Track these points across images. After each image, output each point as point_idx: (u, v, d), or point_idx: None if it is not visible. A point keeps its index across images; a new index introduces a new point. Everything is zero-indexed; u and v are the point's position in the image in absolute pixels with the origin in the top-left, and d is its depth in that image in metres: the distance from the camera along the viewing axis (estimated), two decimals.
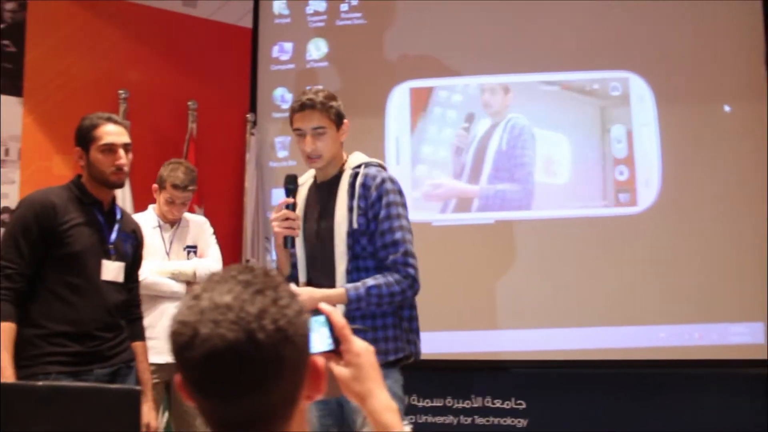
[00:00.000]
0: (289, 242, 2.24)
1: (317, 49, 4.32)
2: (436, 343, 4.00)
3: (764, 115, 3.99)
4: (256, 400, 0.84)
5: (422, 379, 4.05)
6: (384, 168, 2.39)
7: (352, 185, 2.28)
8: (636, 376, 3.98)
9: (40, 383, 2.11)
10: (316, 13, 4.34)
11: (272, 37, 4.36)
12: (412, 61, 4.23)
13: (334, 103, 2.27)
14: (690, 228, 3.96)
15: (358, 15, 4.30)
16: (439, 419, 4.05)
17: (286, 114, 4.21)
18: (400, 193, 2.30)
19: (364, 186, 2.26)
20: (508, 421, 3.99)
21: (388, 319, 2.24)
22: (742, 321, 3.90)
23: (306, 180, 2.38)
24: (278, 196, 4.27)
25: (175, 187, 3.17)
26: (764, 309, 3.87)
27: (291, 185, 2.27)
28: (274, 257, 2.36)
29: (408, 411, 4.05)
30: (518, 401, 3.99)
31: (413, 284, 2.23)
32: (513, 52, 4.18)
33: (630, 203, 4.01)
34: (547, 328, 3.99)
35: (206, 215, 3.90)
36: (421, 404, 4.06)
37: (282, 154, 4.31)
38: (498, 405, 4.02)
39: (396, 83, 4.20)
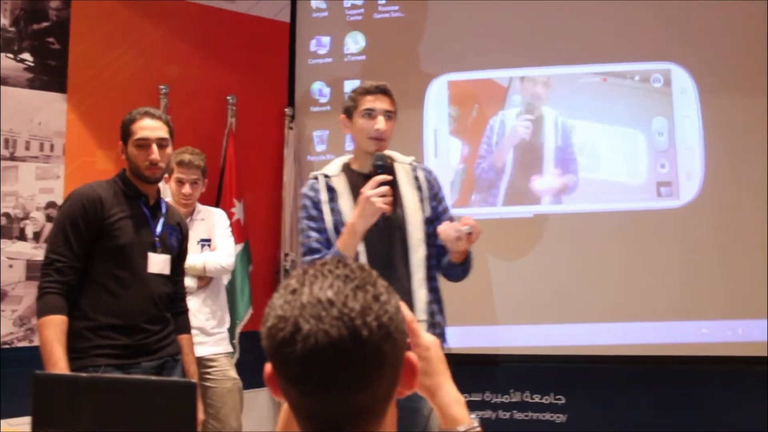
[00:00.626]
0: (381, 220, 2.28)
1: (355, 42, 4.36)
2: (475, 337, 4.04)
3: None
4: (356, 397, 0.84)
5: (461, 374, 4.08)
6: None
7: (415, 178, 2.44)
8: (678, 372, 3.97)
9: (103, 374, 2.17)
10: (354, 7, 4.38)
11: (310, 31, 4.42)
12: (449, 53, 4.25)
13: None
14: (732, 223, 3.93)
15: (396, 8, 4.33)
16: (478, 413, 4.06)
17: (324, 108, 4.36)
18: None
19: (428, 180, 2.47)
20: (548, 416, 4.01)
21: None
22: (746, 318, 3.85)
23: (336, 173, 2.41)
24: None
25: (180, 164, 3.20)
26: None
27: (381, 162, 2.31)
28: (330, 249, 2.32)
29: None
30: (557, 396, 4.01)
31: None
32: (552, 44, 4.16)
33: (671, 197, 3.98)
34: (587, 323, 4.00)
35: (245, 210, 3.98)
36: None
37: (320, 147, 4.36)
38: (537, 400, 4.04)
39: (434, 76, 4.23)
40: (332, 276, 0.86)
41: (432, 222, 2.39)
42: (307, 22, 4.42)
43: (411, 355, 0.92)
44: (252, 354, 3.93)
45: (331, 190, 2.38)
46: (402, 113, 4.15)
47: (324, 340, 0.81)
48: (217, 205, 3.74)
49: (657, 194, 4.00)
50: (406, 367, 0.91)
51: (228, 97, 4.10)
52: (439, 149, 4.19)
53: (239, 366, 3.51)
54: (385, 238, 2.36)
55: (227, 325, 3.44)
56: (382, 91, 2.41)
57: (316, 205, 2.38)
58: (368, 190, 2.23)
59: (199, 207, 3.37)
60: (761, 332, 3.85)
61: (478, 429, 1.07)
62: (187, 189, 3.22)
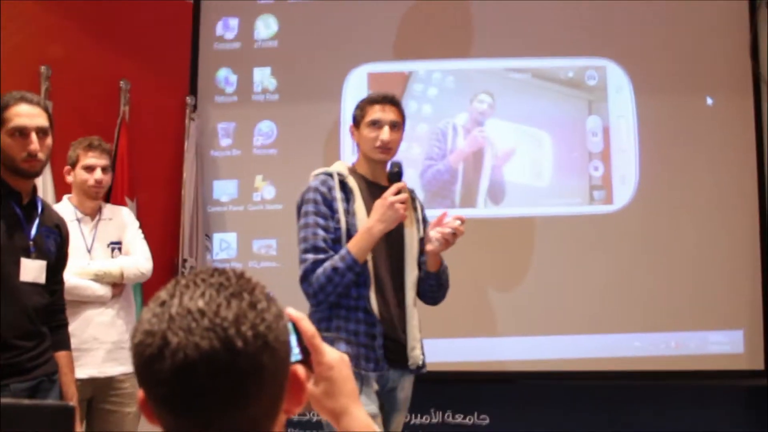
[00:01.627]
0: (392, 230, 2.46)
1: (266, 26, 4.28)
2: None
3: (750, 110, 4.11)
4: (234, 415, 0.83)
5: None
6: None
7: (413, 198, 2.64)
8: (608, 388, 4.04)
9: None
10: None
11: (216, 12, 4.29)
12: (369, 42, 4.22)
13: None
14: (667, 229, 4.04)
15: None
16: None
17: (231, 98, 4.25)
18: None
19: (419, 202, 2.72)
20: None
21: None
22: (721, 329, 3.99)
23: (345, 175, 2.52)
24: (220, 188, 4.22)
25: (90, 147, 3.07)
26: (744, 316, 3.98)
27: (397, 169, 2.48)
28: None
29: None
30: (481, 416, 4.02)
31: None
32: (481, 36, 4.20)
33: (605, 201, 4.06)
34: (510, 337, 4.04)
35: (139, 209, 3.83)
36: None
37: (225, 142, 4.25)
38: (459, 420, 4.04)
39: (353, 67, 4.18)
40: (205, 285, 0.85)
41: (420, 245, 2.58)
42: (213, 3, 4.30)
43: (297, 368, 0.91)
44: None
45: (345, 190, 2.49)
46: (318, 105, 4.17)
47: (194, 353, 0.80)
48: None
49: (590, 198, 4.08)
50: (291, 382, 0.90)
51: (121, 83, 3.95)
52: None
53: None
54: (393, 251, 2.53)
55: None
56: (389, 102, 2.55)
57: (329, 202, 2.46)
58: (390, 195, 2.39)
59: (105, 205, 3.24)
60: (696, 345, 3.99)
61: None
62: (99, 174, 3.08)
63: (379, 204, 2.40)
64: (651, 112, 4.10)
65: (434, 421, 4.05)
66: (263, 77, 4.25)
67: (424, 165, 4.17)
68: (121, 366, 3.11)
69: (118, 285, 3.13)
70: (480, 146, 4.16)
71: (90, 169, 3.08)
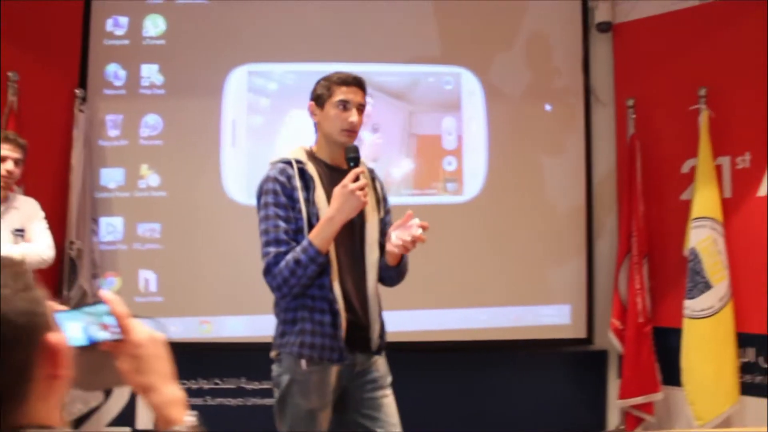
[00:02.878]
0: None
1: (154, 26, 4.44)
2: (265, 326, 4.36)
3: (581, 116, 4.68)
4: None
5: (253, 362, 4.39)
6: None
7: (373, 179, 2.59)
8: (459, 357, 4.54)
9: None
10: None
11: (106, 10, 4.42)
12: (251, 44, 4.48)
13: None
14: (510, 217, 4.56)
15: None
16: (268, 401, 4.39)
17: (119, 92, 4.43)
18: None
19: (381, 183, 2.64)
20: None
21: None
22: (552, 304, 4.57)
23: (306, 160, 2.44)
24: (108, 175, 4.39)
25: (6, 139, 3.19)
26: (571, 293, 4.57)
27: (355, 154, 2.39)
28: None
29: (237, 393, 4.38)
30: None
31: None
32: (355, 41, 4.54)
33: (457, 192, 4.54)
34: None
35: (26, 194, 3.98)
36: (250, 387, 4.40)
37: (113, 132, 4.41)
38: None
39: (235, 65, 4.44)
40: None
41: (380, 226, 2.54)
42: (104, 1, 4.42)
43: (52, 336, 0.93)
44: None
45: (304, 178, 2.40)
46: (201, 101, 4.43)
47: None
48: None
49: (445, 190, 4.56)
50: (47, 349, 0.92)
51: (9, 74, 4.01)
52: (237, 139, 4.46)
53: None
54: (353, 235, 2.46)
55: None
56: (359, 84, 2.45)
57: (289, 192, 2.37)
58: (349, 182, 2.29)
59: (15, 196, 3.34)
60: (533, 318, 4.54)
61: (196, 429, 1.13)
62: (10, 165, 3.21)
63: (339, 192, 2.31)
64: (499, 116, 4.59)
65: None
66: (151, 73, 4.40)
67: None
68: None
69: None
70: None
71: (2, 159, 3.24)
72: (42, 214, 3.44)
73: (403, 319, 4.34)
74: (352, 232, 2.45)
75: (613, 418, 4.57)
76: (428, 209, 4.46)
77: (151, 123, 4.41)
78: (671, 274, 4.26)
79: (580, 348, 4.63)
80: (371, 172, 2.60)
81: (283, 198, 2.37)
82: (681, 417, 4.22)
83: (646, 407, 4.31)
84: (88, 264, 4.20)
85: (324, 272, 2.38)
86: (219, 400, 4.39)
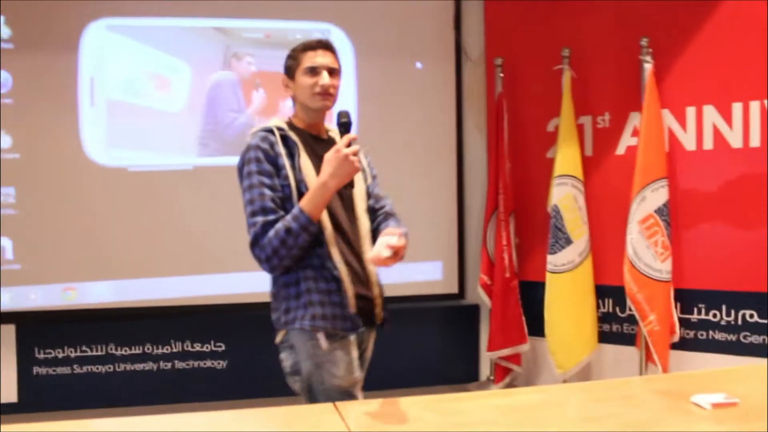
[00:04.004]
0: (350, 182, 2.25)
1: None
2: (131, 290, 4.23)
3: (452, 74, 4.67)
4: None
5: (121, 328, 4.26)
6: None
7: None
8: None
9: None
10: None
11: None
12: None
13: None
14: (381, 177, 4.50)
15: None
16: (139, 366, 4.29)
17: None
18: None
19: (364, 152, 2.49)
20: (209, 363, 4.36)
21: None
22: (425, 261, 4.60)
23: (285, 129, 2.33)
24: None
25: None
26: (443, 250, 4.62)
27: (346, 119, 2.26)
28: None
29: (106, 360, 4.24)
30: (217, 344, 4.37)
31: None
32: None
33: None
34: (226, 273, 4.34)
35: None
36: (119, 353, 4.26)
37: None
38: (198, 348, 4.36)
39: (91, 20, 4.19)
40: None
41: (368, 194, 2.46)
42: None
43: None
44: None
45: (287, 145, 2.29)
46: (55, 57, 4.16)
47: None
48: None
49: None
50: None
51: None
52: (97, 98, 4.22)
53: None
54: (345, 203, 2.36)
55: None
56: (324, 47, 2.36)
57: (273, 159, 2.27)
58: (343, 147, 2.18)
59: None
60: (409, 274, 4.56)
61: None
62: None
63: (332, 157, 2.19)
64: (369, 73, 4.53)
65: (175, 350, 4.35)
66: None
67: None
68: None
69: None
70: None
71: None
72: None
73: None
74: (341, 201, 2.35)
75: (485, 370, 4.68)
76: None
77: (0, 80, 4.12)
78: (536, 230, 4.35)
79: (453, 303, 4.70)
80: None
81: (267, 165, 2.25)
82: (545, 367, 4.36)
83: (514, 358, 4.43)
84: None
85: (318, 241, 2.26)
86: (87, 368, 4.23)
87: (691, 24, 3.84)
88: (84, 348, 4.25)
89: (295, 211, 2.21)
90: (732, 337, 3.76)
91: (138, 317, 4.28)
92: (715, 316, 3.81)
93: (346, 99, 4.47)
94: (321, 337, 2.26)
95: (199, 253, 4.32)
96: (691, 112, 3.84)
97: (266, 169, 2.25)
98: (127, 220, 4.25)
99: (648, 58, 3.79)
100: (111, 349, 4.26)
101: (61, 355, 4.23)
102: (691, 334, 3.87)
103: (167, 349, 4.31)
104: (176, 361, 4.31)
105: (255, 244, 2.23)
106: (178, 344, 4.32)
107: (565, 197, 4.06)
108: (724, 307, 3.78)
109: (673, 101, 3.87)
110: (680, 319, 3.85)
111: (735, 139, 3.70)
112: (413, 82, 4.62)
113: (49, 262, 4.18)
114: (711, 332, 3.83)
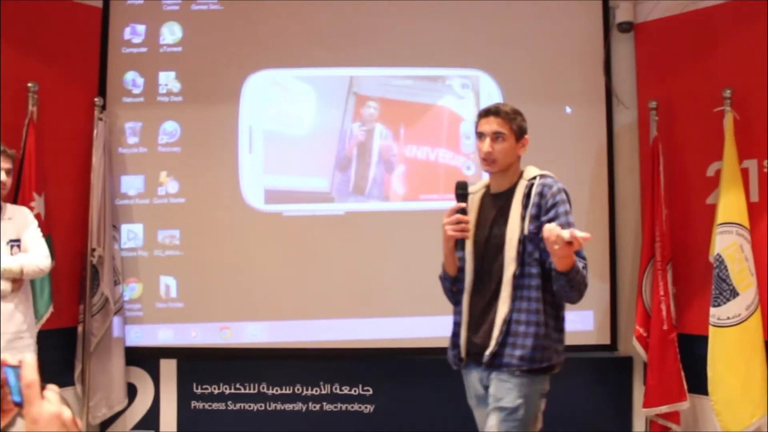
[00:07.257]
0: (459, 245, 2.55)
1: (171, 33, 4.36)
2: (284, 332, 4.24)
3: (603, 118, 4.44)
4: None
5: (273, 368, 4.28)
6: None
7: (527, 195, 2.51)
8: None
9: None
10: None
11: (124, 18, 4.35)
12: (267, 49, 4.36)
13: (517, 117, 2.57)
14: None
15: (214, 0, 4.39)
16: (288, 406, 4.28)
17: (138, 99, 4.34)
18: (571, 203, 2.54)
19: (541, 194, 2.50)
20: (356, 407, 4.28)
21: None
22: (575, 310, 4.34)
23: (478, 189, 2.64)
24: (127, 182, 4.31)
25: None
26: (594, 298, 4.35)
27: (462, 191, 2.48)
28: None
29: (258, 399, 4.27)
30: (365, 387, 4.29)
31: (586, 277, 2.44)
32: (371, 45, 4.40)
33: None
34: (389, 317, 4.29)
35: (48, 203, 3.92)
36: (270, 392, 4.28)
37: (132, 140, 4.33)
38: (346, 392, 4.30)
39: (251, 71, 4.33)
40: None
41: (532, 241, 2.46)
42: (121, 9, 4.34)
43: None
44: (54, 352, 3.93)
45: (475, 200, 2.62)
46: (218, 108, 4.32)
47: None
48: (15, 200, 3.68)
49: None
50: None
51: (29, 84, 3.94)
52: (254, 145, 4.33)
53: (41, 366, 3.47)
54: (486, 255, 2.55)
55: (36, 330, 3.45)
56: (488, 113, 2.55)
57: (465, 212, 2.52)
58: (446, 217, 2.47)
59: (6, 206, 3.29)
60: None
61: None
62: (3, 176, 3.18)
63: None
64: None
65: (323, 392, 4.31)
66: (168, 80, 4.33)
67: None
68: (20, 354, 3.23)
69: (17, 280, 3.21)
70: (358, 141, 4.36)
71: None
72: (35, 222, 3.39)
73: (417, 325, 4.20)
74: (493, 254, 2.53)
75: (639, 426, 4.34)
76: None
77: (170, 130, 4.32)
78: (696, 280, 4.03)
79: (605, 354, 4.41)
80: (529, 187, 2.53)
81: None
82: (709, 427, 3.98)
83: (672, 416, 4.08)
84: (109, 271, 4.12)
85: (462, 289, 2.58)
86: (240, 405, 4.28)
87: None
88: (238, 386, 4.31)
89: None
90: None
91: (289, 358, 4.29)
92: None
93: None
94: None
95: (349, 297, 4.30)
96: None
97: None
98: (280, 264, 4.30)
99: None
100: (263, 388, 4.29)
101: (216, 391, 4.30)
102: None
103: (316, 391, 4.29)
104: (324, 403, 4.28)
105: None
106: (327, 386, 4.29)
107: (730, 246, 3.73)
108: None
109: None
110: None
111: None
112: (563, 126, 4.44)
113: (208, 302, 4.28)
114: None
